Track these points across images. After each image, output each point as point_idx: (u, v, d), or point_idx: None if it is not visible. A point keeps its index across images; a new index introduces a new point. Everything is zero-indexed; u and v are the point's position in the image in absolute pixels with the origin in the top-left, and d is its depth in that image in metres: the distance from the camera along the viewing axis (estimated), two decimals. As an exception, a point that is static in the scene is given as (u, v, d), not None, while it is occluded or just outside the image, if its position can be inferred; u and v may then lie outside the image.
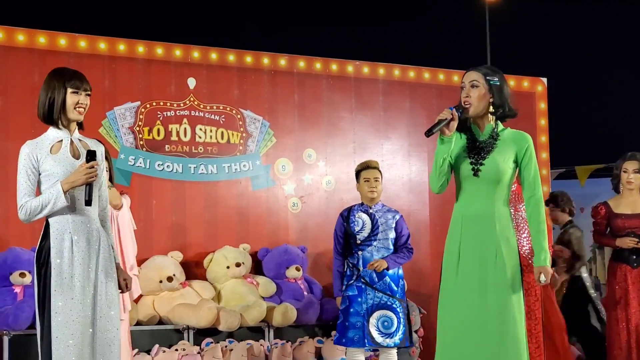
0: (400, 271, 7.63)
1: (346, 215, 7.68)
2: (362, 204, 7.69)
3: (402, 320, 7.51)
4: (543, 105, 10.96)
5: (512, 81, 10.89)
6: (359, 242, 7.50)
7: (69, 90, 5.09)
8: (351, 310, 7.42)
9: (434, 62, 10.89)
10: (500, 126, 5.26)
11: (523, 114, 10.71)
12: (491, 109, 5.19)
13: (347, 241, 7.63)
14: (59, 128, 5.15)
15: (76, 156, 5.14)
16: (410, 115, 10.23)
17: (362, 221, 7.55)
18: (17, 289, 7.97)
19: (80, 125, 5.26)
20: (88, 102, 5.17)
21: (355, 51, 10.74)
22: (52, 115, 5.12)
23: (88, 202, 5.04)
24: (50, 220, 5.07)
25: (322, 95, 9.83)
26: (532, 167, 5.22)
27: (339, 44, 13.37)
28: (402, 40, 14.69)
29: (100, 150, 5.25)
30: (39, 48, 8.57)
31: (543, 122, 10.92)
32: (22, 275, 7.96)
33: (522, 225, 7.73)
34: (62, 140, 5.13)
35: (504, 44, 14.39)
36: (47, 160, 5.04)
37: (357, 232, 7.50)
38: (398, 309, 7.49)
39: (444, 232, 10.05)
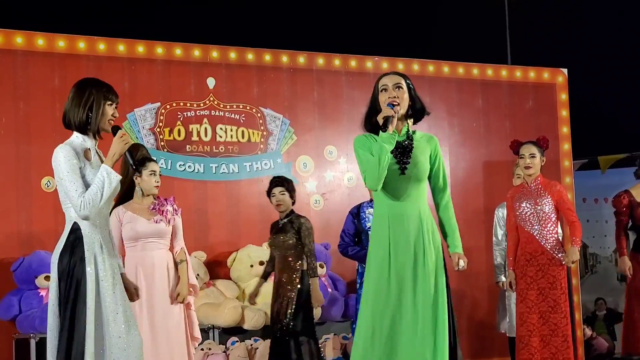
0: None
1: (356, 213, 7.69)
2: (371, 200, 7.67)
3: None
4: (564, 97, 10.90)
5: (532, 73, 10.86)
6: None
7: (107, 102, 5.11)
8: None
9: (453, 56, 10.85)
10: (410, 128, 5.42)
11: (544, 106, 10.77)
12: (410, 111, 5.36)
13: (357, 238, 7.66)
14: (88, 136, 5.13)
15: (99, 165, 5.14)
16: (430, 110, 10.18)
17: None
18: (43, 292, 8.02)
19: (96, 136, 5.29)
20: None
21: (374, 47, 10.70)
22: (87, 125, 5.10)
23: (134, 166, 5.18)
24: (82, 227, 5.03)
25: (341, 92, 9.81)
26: (442, 167, 5.41)
27: (358, 40, 13.34)
28: (420, 34, 14.64)
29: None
30: (58, 52, 8.61)
31: (564, 113, 10.86)
32: (48, 278, 7.96)
33: (544, 219, 7.70)
34: (90, 149, 5.13)
35: (523, 36, 14.32)
36: (86, 165, 5.02)
37: (369, 228, 7.46)
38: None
39: (466, 226, 10.11)
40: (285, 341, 7.50)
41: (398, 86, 5.28)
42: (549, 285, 7.62)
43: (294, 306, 7.55)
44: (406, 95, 5.31)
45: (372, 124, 5.33)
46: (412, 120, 5.41)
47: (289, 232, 7.61)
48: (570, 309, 7.71)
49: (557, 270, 7.65)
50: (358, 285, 7.63)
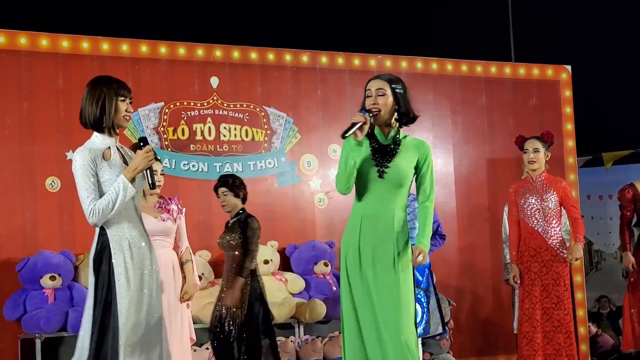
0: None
1: None
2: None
3: (426, 310, 7.50)
4: (568, 93, 10.89)
5: (536, 70, 10.85)
6: None
7: (119, 98, 5.11)
8: None
9: (457, 54, 10.84)
10: (402, 133, 5.48)
11: (548, 103, 10.76)
12: (396, 116, 5.42)
13: None
14: (106, 134, 5.13)
15: (125, 162, 5.15)
16: (434, 108, 10.20)
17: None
18: (48, 292, 8.03)
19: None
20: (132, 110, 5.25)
21: (377, 45, 10.70)
22: (102, 122, 5.10)
23: (152, 185, 5.15)
24: (108, 231, 5.03)
25: (345, 90, 9.82)
26: (429, 175, 5.46)
27: (361, 39, 13.33)
28: (424, 32, 14.62)
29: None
30: (62, 52, 8.62)
31: (568, 110, 10.86)
32: (52, 278, 8.02)
33: (548, 215, 7.70)
34: (110, 147, 5.12)
35: (527, 33, 14.28)
36: (103, 166, 5.02)
37: None
38: (422, 299, 7.48)
39: (471, 223, 10.13)
40: (229, 344, 7.19)
41: (381, 93, 5.35)
42: (552, 281, 7.63)
43: (244, 306, 7.27)
44: (390, 100, 5.37)
45: None
46: (398, 124, 5.47)
47: (235, 232, 7.34)
48: (572, 305, 7.72)
49: (561, 267, 7.65)
50: None
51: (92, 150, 5.04)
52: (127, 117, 5.17)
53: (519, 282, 7.73)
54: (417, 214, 5.45)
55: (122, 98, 5.13)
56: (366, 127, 5.23)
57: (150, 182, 5.12)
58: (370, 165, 5.34)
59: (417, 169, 5.42)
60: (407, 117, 5.43)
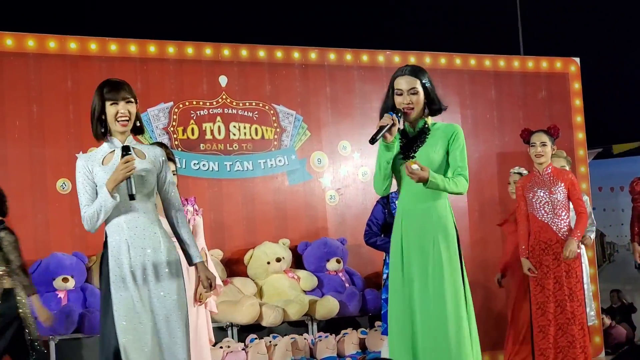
0: None
1: (385, 202, 7.61)
2: (398, 190, 7.61)
3: None
4: (577, 86, 10.86)
5: (544, 63, 10.82)
6: None
7: (107, 103, 5.02)
8: None
9: (465, 48, 10.83)
10: (431, 120, 5.42)
11: (557, 95, 10.74)
12: (426, 110, 5.38)
13: (385, 228, 7.57)
14: (114, 140, 5.10)
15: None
16: (443, 102, 10.16)
17: None
18: (61, 294, 8.04)
19: (138, 131, 5.20)
20: (131, 109, 5.06)
21: (385, 41, 10.69)
22: (98, 131, 5.09)
23: (132, 197, 4.96)
24: (107, 229, 5.06)
25: (353, 87, 9.81)
26: (458, 152, 5.33)
27: (369, 35, 13.32)
28: (432, 27, 14.61)
29: (154, 152, 5.20)
30: (70, 54, 8.63)
31: (578, 102, 10.83)
32: (65, 280, 8.03)
33: (557, 207, 7.70)
34: (114, 151, 5.08)
35: (535, 26, 14.26)
36: (98, 172, 5.01)
37: None
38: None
39: (482, 218, 10.12)
40: None
41: (414, 92, 5.28)
42: (564, 273, 7.63)
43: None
44: (422, 97, 5.30)
45: None
46: (429, 116, 5.42)
47: None
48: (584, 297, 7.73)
49: (572, 259, 7.65)
50: (385, 276, 7.56)
51: (90, 157, 5.06)
52: (122, 122, 5.04)
53: (535, 272, 7.70)
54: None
55: (111, 102, 5.02)
56: (395, 129, 5.17)
57: (129, 192, 4.95)
58: (401, 161, 5.29)
59: (447, 149, 5.34)
60: (437, 108, 5.39)
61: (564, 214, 7.69)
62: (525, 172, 8.71)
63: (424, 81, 5.32)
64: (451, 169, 5.33)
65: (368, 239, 7.59)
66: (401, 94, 5.28)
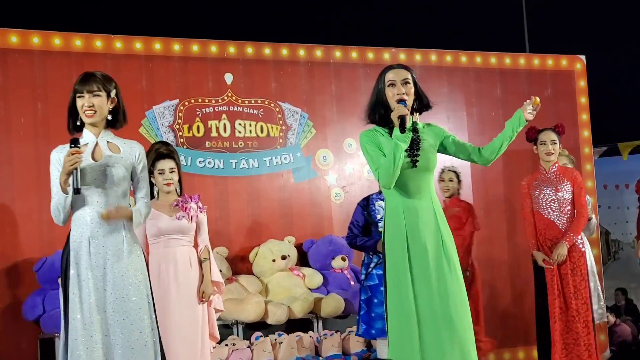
0: None
1: (365, 204, 7.60)
2: (379, 192, 7.61)
3: None
4: (583, 83, 10.85)
5: (550, 60, 10.81)
6: (380, 229, 7.39)
7: (76, 95, 5.05)
8: (375, 300, 7.35)
9: (471, 46, 10.81)
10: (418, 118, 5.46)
11: (563, 93, 10.72)
12: (416, 105, 5.38)
13: (366, 230, 7.56)
14: (89, 133, 5.12)
15: (96, 158, 5.07)
16: (448, 100, 10.17)
17: (382, 209, 7.46)
18: (66, 292, 8.03)
19: (111, 124, 5.17)
20: (97, 102, 5.04)
21: (390, 38, 10.68)
22: (69, 124, 5.13)
23: (76, 191, 4.91)
24: (72, 224, 5.06)
25: (359, 84, 9.80)
26: (454, 136, 5.46)
27: (374, 32, 13.31)
28: (437, 24, 14.59)
29: (129, 147, 5.18)
30: (75, 51, 8.62)
31: (583, 100, 10.81)
32: (70, 277, 8.02)
33: (564, 205, 7.70)
34: (87, 144, 5.08)
35: (541, 24, 14.24)
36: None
37: (379, 219, 7.39)
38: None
39: (488, 215, 10.09)
40: None
41: (406, 82, 5.29)
42: (569, 271, 7.63)
43: None
44: (413, 90, 5.32)
45: (381, 116, 5.35)
46: (417, 113, 5.44)
47: None
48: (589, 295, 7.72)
49: (577, 257, 7.66)
50: (363, 276, 7.56)
51: (63, 150, 5.04)
52: (87, 114, 5.04)
53: (551, 262, 7.67)
54: (487, 146, 5.38)
55: (78, 94, 5.04)
56: (409, 117, 5.18)
57: (74, 186, 4.91)
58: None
59: (445, 145, 5.40)
60: (426, 102, 5.42)
61: (569, 212, 7.68)
62: (458, 170, 8.77)
63: (413, 75, 5.35)
64: (469, 147, 5.41)
65: (349, 241, 7.64)
66: (395, 85, 5.29)
